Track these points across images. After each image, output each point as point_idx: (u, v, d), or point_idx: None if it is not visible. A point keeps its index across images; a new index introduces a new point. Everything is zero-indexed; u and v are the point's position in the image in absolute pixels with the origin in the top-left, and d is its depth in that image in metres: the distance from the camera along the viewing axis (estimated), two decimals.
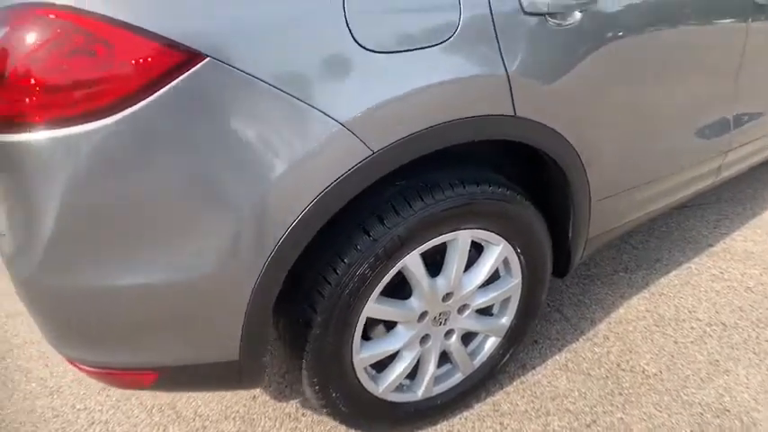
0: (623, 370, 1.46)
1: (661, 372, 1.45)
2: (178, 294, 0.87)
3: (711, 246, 2.02)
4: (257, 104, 0.78)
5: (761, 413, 1.30)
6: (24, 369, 1.61)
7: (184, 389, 1.13)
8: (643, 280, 1.83)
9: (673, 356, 1.50)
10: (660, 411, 1.33)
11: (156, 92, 0.74)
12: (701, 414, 1.31)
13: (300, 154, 0.82)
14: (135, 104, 0.74)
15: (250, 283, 0.88)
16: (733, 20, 1.45)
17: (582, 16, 1.03)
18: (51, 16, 0.73)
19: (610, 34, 1.10)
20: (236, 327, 0.94)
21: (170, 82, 0.74)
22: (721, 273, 1.86)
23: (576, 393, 1.39)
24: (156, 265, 0.83)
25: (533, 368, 1.48)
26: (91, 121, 0.74)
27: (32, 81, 0.73)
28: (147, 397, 1.45)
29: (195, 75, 0.75)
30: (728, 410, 1.32)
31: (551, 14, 0.99)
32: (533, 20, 0.98)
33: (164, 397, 1.45)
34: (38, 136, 0.75)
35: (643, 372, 1.45)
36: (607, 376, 1.44)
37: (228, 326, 0.94)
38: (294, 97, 0.80)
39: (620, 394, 1.38)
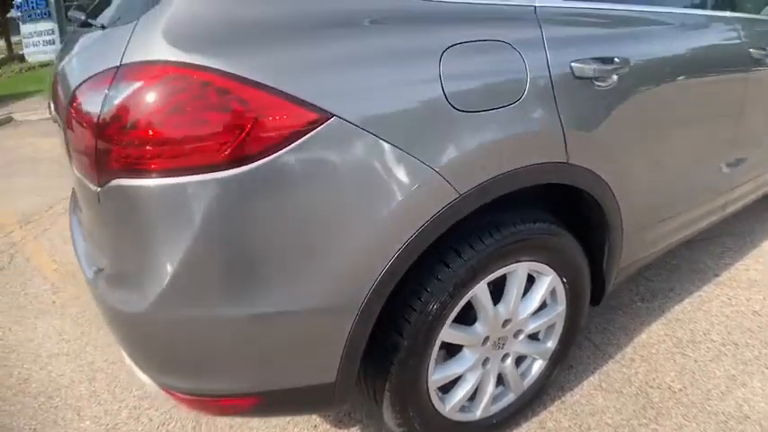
0: (651, 387, 1.64)
1: (685, 387, 1.63)
2: (291, 323, 1.00)
3: (717, 275, 2.24)
4: (368, 155, 0.95)
5: None
6: (75, 407, 1.68)
7: (279, 413, 1.24)
8: (659, 308, 2.04)
9: (694, 373, 1.69)
10: (689, 422, 1.51)
11: (284, 147, 0.88)
12: (726, 422, 1.49)
13: (403, 198, 0.99)
14: (264, 158, 0.88)
15: (354, 311, 1.04)
16: (735, 74, 1.76)
17: (617, 79, 1.29)
18: (190, 74, 0.87)
19: (638, 92, 1.37)
20: (338, 351, 1.06)
21: (298, 139, 0.89)
22: (729, 299, 2.07)
23: (613, 409, 1.57)
24: (273, 297, 0.97)
25: (571, 389, 1.66)
26: (222, 170, 0.87)
27: (167, 133, 0.86)
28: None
29: (322, 132, 0.90)
30: (749, 417, 1.50)
31: (595, 78, 1.25)
32: (582, 83, 1.24)
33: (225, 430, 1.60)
34: (169, 181, 0.89)
35: (669, 388, 1.64)
36: (638, 393, 1.62)
37: (331, 351, 1.06)
38: (398, 148, 0.97)
39: (652, 408, 1.56)
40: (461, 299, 1.20)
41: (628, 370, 1.73)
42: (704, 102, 1.65)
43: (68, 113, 1.06)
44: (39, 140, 5.64)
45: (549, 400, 1.62)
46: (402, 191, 0.99)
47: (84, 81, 1.01)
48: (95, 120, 0.92)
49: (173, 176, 0.89)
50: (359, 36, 0.99)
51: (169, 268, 0.93)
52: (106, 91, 0.91)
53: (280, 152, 0.89)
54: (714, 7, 1.75)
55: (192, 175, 0.88)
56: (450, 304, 1.18)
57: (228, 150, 0.87)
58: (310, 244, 0.97)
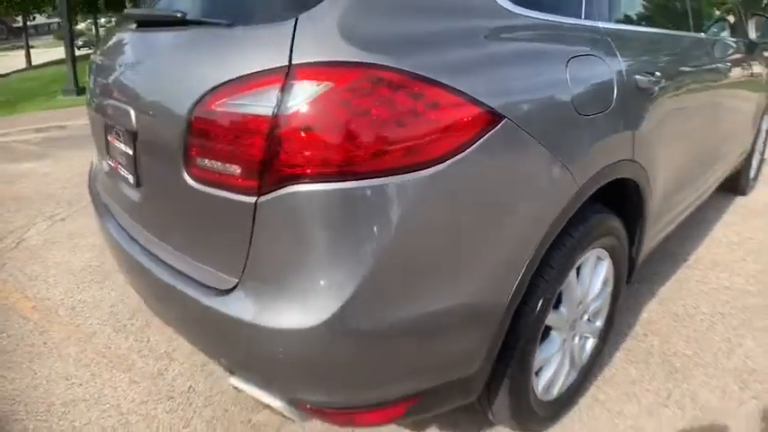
0: (669, 355, 1.90)
1: (696, 352, 1.91)
2: (455, 319, 1.04)
3: (686, 259, 2.61)
4: (526, 156, 1.06)
5: None
6: None
7: (424, 412, 1.19)
8: (650, 290, 2.34)
9: (698, 341, 1.97)
10: (711, 378, 1.77)
11: (468, 148, 0.93)
12: (740, 375, 1.78)
13: (547, 194, 1.12)
14: (450, 158, 0.91)
15: (504, 304, 1.11)
16: (713, 82, 2.13)
17: (658, 89, 1.54)
18: (381, 75, 0.86)
19: (666, 99, 1.62)
20: (485, 344, 1.12)
21: (480, 138, 0.95)
22: (702, 278, 2.43)
23: (647, 378, 1.79)
24: (443, 296, 1.00)
25: (606, 365, 1.86)
26: (413, 172, 0.89)
27: (358, 135, 0.84)
28: None
29: (497, 133, 0.98)
30: (755, 370, 1.80)
31: (648, 89, 1.49)
32: (640, 92, 1.46)
33: None
34: (357, 185, 0.86)
35: (684, 354, 1.90)
36: (661, 362, 1.87)
37: (479, 344, 1.11)
38: (545, 148, 1.08)
39: (677, 372, 1.81)
40: (562, 285, 1.34)
41: (644, 344, 1.98)
42: (701, 105, 2.00)
43: (194, 120, 0.98)
44: None
45: (592, 376, 1.80)
46: (547, 187, 1.11)
47: (225, 83, 0.94)
48: (268, 123, 0.87)
49: (362, 179, 0.87)
50: (507, 42, 1.11)
51: (355, 275, 0.90)
52: (277, 92, 0.87)
53: (465, 152, 0.94)
54: (695, 30, 2.14)
55: (381, 177, 0.88)
56: (556, 290, 1.31)
57: (421, 151, 0.90)
58: (476, 243, 1.03)
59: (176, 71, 1.10)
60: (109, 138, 1.45)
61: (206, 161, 0.98)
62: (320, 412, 1.08)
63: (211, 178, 0.99)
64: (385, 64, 0.90)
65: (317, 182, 0.88)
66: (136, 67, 1.23)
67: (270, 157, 0.89)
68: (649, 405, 1.67)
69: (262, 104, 0.89)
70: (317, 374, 1.01)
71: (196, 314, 1.10)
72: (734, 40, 2.54)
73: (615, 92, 1.33)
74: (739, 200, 3.40)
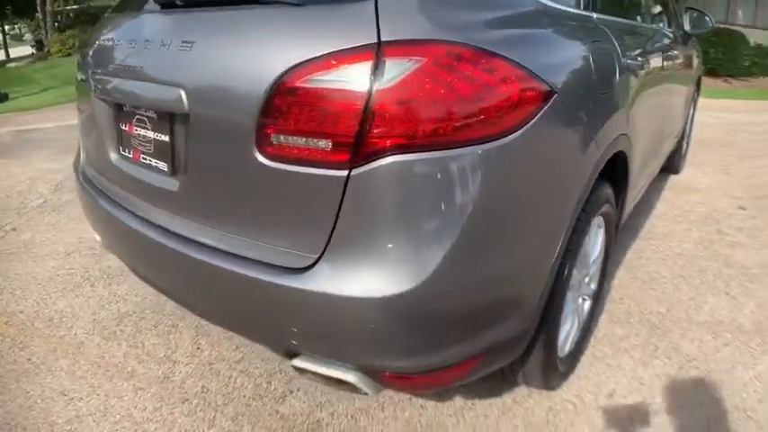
0: (647, 314, 2.11)
1: (669, 310, 2.14)
2: (518, 279, 1.16)
3: (638, 232, 2.89)
4: (568, 128, 1.18)
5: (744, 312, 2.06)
6: None
7: (488, 369, 1.26)
8: (615, 259, 2.57)
9: (668, 300, 2.21)
10: (686, 332, 1.99)
11: (531, 120, 1.03)
12: (711, 326, 2.02)
13: (583, 164, 1.26)
14: (518, 130, 1.01)
15: (551, 264, 1.22)
16: (664, 68, 2.37)
17: (639, 71, 1.75)
18: (462, 52, 0.95)
19: (643, 79, 1.82)
20: (537, 301, 1.22)
21: (538, 113, 1.05)
22: (657, 248, 2.71)
23: (633, 335, 1.98)
24: (517, 256, 1.12)
25: (594, 327, 2.03)
26: (492, 141, 0.97)
27: (448, 107, 0.91)
28: None
29: (550, 107, 1.08)
30: (722, 321, 2.05)
31: (633, 70, 1.67)
32: (631, 73, 1.65)
33: None
34: (446, 154, 0.93)
35: (659, 312, 2.12)
36: (641, 320, 2.07)
37: (534, 301, 1.21)
38: (580, 122, 1.22)
39: (657, 328, 2.02)
40: (581, 249, 1.46)
41: (623, 306, 2.18)
42: (658, 88, 2.23)
43: (274, 97, 0.97)
44: None
45: (589, 334, 1.96)
46: (582, 159, 1.23)
47: (311, 60, 0.95)
48: (362, 98, 0.91)
49: (448, 150, 0.94)
50: (547, 27, 1.23)
51: (443, 239, 0.97)
52: (369, 69, 0.91)
53: (528, 124, 1.04)
54: (650, 22, 2.41)
55: (463, 147, 0.96)
56: (578, 253, 1.43)
57: (495, 123, 0.98)
58: (535, 208, 1.14)
59: (244, 51, 1.07)
60: (123, 126, 1.38)
61: (288, 138, 0.98)
62: (399, 379, 1.11)
63: (292, 155, 0.99)
64: (461, 41, 0.97)
65: (409, 152, 0.94)
66: (181, 48, 1.15)
67: (364, 130, 0.92)
68: (641, 358, 1.85)
69: (353, 80, 0.92)
70: (403, 339, 1.04)
71: (265, 296, 1.09)
72: (671, 31, 2.85)
73: (617, 72, 1.49)
74: (674, 178, 3.80)
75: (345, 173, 0.95)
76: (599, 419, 1.57)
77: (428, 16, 0.98)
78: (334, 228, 1.00)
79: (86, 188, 1.65)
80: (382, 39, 0.93)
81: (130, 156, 1.39)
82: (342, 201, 0.97)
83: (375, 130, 0.92)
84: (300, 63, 0.96)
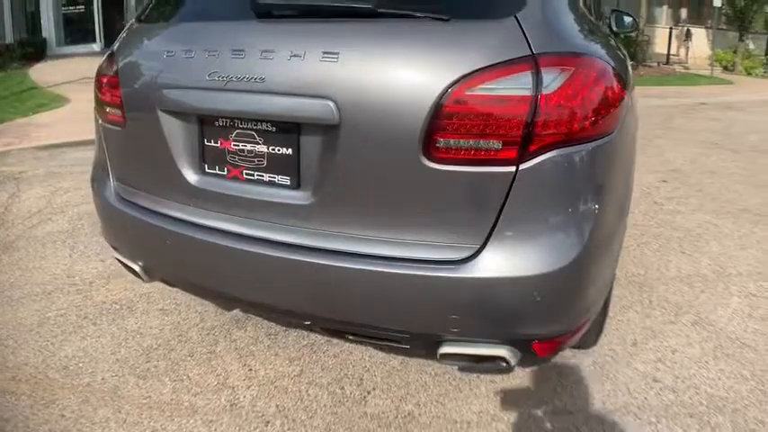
0: (630, 276, 2.46)
1: (647, 271, 2.52)
2: (619, 248, 1.40)
3: None
4: (629, 117, 1.39)
5: (703, 265, 2.49)
6: None
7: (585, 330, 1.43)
8: None
9: (642, 264, 2.59)
10: (667, 286, 2.37)
11: (624, 115, 1.27)
12: (682, 279, 2.42)
13: (633, 148, 1.53)
14: (620, 124, 1.23)
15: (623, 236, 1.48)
16: None
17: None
18: (593, 63, 1.16)
19: None
20: (615, 269, 1.46)
21: (625, 110, 1.28)
22: None
23: (627, 294, 2.31)
24: (621, 229, 1.36)
25: None
26: (609, 134, 1.17)
27: (595, 107, 1.11)
28: None
29: (627, 106, 1.32)
30: (690, 275, 2.47)
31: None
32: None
33: None
34: (592, 145, 1.13)
35: (639, 274, 2.49)
36: (628, 282, 2.41)
37: (615, 268, 1.45)
38: (633, 118, 1.49)
39: (645, 285, 2.37)
40: None
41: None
42: None
43: (445, 105, 1.06)
44: None
45: None
46: (635, 141, 1.53)
47: (477, 70, 1.06)
48: (528, 102, 1.05)
49: (588, 143, 1.12)
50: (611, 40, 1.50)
51: (592, 216, 1.16)
52: (530, 77, 1.05)
53: (624, 118, 1.26)
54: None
55: (596, 141, 1.14)
56: None
57: (615, 117, 1.20)
58: (628, 189, 1.39)
59: (403, 62, 1.12)
60: (213, 142, 1.31)
61: (457, 141, 1.08)
62: (544, 344, 1.25)
63: (460, 157, 1.09)
64: (586, 53, 1.16)
65: (565, 146, 1.10)
66: (324, 59, 1.14)
67: (531, 130, 1.06)
68: (643, 311, 2.18)
69: (518, 87, 1.06)
70: (558, 308, 1.20)
71: (425, 291, 1.16)
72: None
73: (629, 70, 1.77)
74: None
75: (513, 168, 1.08)
76: (636, 363, 1.84)
77: (559, 32, 1.16)
78: (497, 218, 1.12)
79: (131, 213, 1.51)
80: (535, 51, 1.07)
81: (224, 173, 1.33)
82: (508, 193, 1.10)
83: (539, 130, 1.07)
84: (469, 73, 1.07)
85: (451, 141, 1.08)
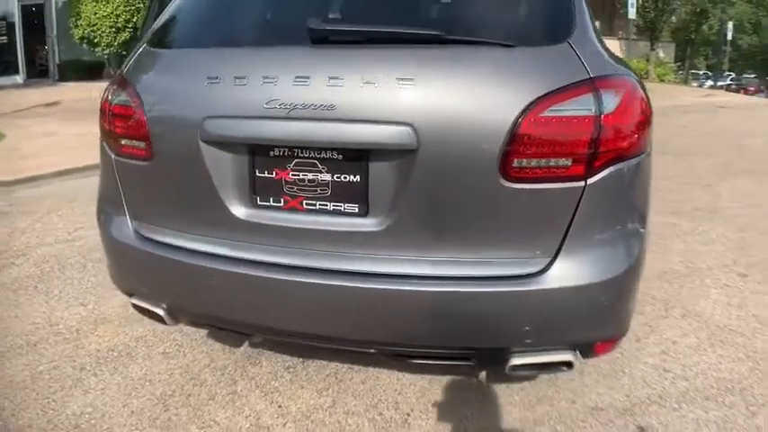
0: None
1: None
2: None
3: None
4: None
5: (674, 262, 2.72)
6: None
7: None
8: None
9: None
10: (650, 282, 2.56)
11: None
12: (660, 271, 2.62)
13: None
14: (650, 144, 1.34)
15: None
16: None
17: None
18: (634, 83, 1.25)
19: None
20: None
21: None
22: None
23: None
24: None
25: None
26: (643, 153, 1.26)
27: (643, 121, 1.23)
28: None
29: None
30: (665, 271, 2.69)
31: None
32: None
33: None
34: (639, 159, 1.24)
35: None
36: None
37: None
38: None
39: None
40: None
41: None
42: None
43: (521, 127, 1.12)
44: None
45: None
46: None
47: (547, 94, 1.13)
48: (593, 122, 1.13)
49: (636, 157, 1.24)
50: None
51: (642, 221, 1.29)
52: (591, 98, 1.14)
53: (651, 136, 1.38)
54: None
55: (641, 155, 1.26)
56: None
57: (649, 136, 1.31)
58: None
59: (478, 87, 1.18)
60: (266, 173, 1.28)
61: (530, 161, 1.13)
62: (604, 345, 1.34)
63: (533, 175, 1.15)
64: (628, 75, 1.27)
65: (621, 161, 1.19)
66: (400, 85, 1.16)
67: (596, 147, 1.15)
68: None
69: (583, 108, 1.14)
70: (620, 309, 1.28)
71: (497, 307, 1.21)
72: None
73: None
74: None
75: (582, 183, 1.16)
76: (644, 357, 1.97)
77: (602, 56, 1.25)
78: (567, 230, 1.19)
79: (156, 253, 1.42)
80: (591, 74, 1.17)
81: (280, 204, 1.29)
82: (577, 206, 1.17)
83: (603, 147, 1.16)
84: (541, 96, 1.14)
85: (525, 161, 1.14)
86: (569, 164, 1.15)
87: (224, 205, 1.32)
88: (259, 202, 1.32)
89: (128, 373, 1.92)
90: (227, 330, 1.61)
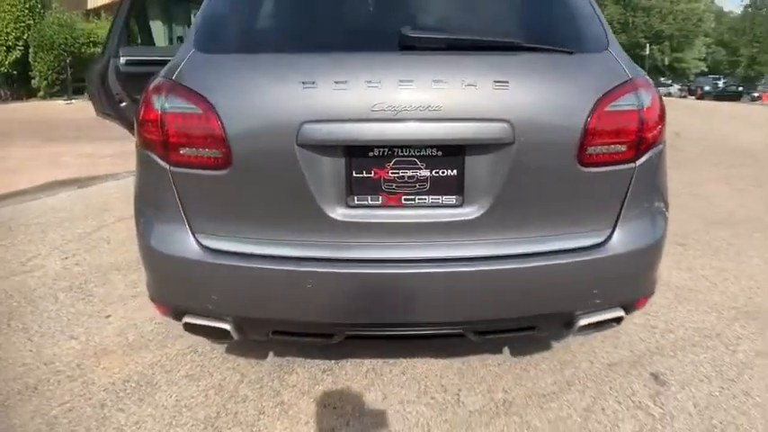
0: None
1: None
2: None
3: None
4: None
5: None
6: None
7: None
8: None
9: None
10: None
11: None
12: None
13: None
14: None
15: None
16: None
17: None
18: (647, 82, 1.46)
19: None
20: None
21: None
22: None
23: None
24: None
25: None
26: (663, 143, 1.48)
27: (663, 116, 1.44)
28: None
29: None
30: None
31: None
32: None
33: None
34: (661, 146, 1.47)
35: None
36: None
37: None
38: None
39: None
40: None
41: None
42: None
43: (592, 120, 1.31)
44: None
45: None
46: None
47: (607, 92, 1.34)
48: (637, 115, 1.36)
49: (660, 145, 1.48)
50: None
51: (666, 193, 1.55)
52: (634, 96, 1.37)
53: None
54: None
55: (662, 143, 1.49)
56: None
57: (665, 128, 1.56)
58: None
59: (558, 87, 1.36)
60: (362, 173, 1.34)
61: (598, 148, 1.35)
62: (645, 299, 1.57)
63: (600, 159, 1.36)
64: (647, 77, 1.50)
65: (655, 147, 1.44)
66: (496, 87, 1.30)
67: (641, 135, 1.39)
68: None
69: (631, 104, 1.37)
70: (657, 268, 1.53)
71: (575, 274, 1.41)
72: None
73: None
74: None
75: (633, 165, 1.40)
76: (632, 318, 2.27)
77: (631, 62, 1.49)
78: (622, 205, 1.43)
79: (230, 264, 1.38)
80: (630, 76, 1.40)
81: (378, 202, 1.35)
82: (629, 184, 1.41)
83: (646, 134, 1.40)
84: (605, 94, 1.35)
85: (593, 149, 1.35)
86: (624, 149, 1.38)
87: (318, 207, 1.33)
88: (356, 202, 1.36)
89: (157, 402, 1.78)
90: (307, 336, 1.58)
